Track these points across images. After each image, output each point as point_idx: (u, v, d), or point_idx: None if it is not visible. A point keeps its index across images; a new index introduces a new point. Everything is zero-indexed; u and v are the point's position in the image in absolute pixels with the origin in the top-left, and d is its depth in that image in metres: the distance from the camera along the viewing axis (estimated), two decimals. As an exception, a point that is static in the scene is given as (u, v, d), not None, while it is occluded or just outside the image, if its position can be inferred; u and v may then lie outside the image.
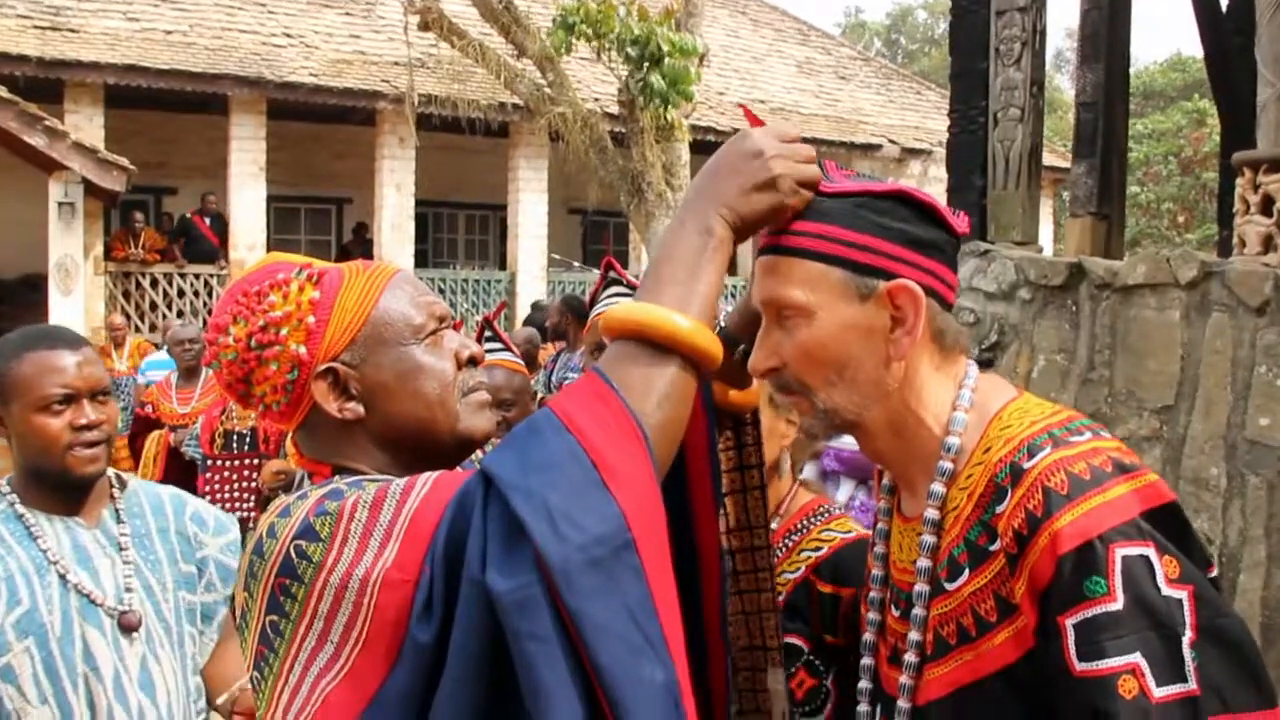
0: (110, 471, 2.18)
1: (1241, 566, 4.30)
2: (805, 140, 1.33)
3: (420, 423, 1.36)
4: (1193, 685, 1.16)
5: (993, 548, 1.26)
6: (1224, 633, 1.19)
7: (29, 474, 2.09)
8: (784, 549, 2.06)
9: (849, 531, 2.07)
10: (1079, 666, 1.18)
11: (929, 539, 1.34)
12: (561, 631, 1.06)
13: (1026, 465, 1.24)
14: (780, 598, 2.04)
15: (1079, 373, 5.13)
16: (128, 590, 2.08)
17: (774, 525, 2.11)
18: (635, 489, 1.12)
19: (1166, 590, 1.18)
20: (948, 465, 1.33)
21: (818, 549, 2.04)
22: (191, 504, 2.29)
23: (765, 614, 1.60)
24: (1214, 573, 1.25)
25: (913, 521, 1.39)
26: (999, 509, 1.25)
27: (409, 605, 1.13)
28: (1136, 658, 1.16)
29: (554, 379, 6.70)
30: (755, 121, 1.41)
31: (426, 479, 1.21)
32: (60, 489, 2.09)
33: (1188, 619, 1.18)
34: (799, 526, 2.09)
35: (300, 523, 1.21)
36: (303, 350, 1.34)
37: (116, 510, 2.16)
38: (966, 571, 1.29)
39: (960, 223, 1.36)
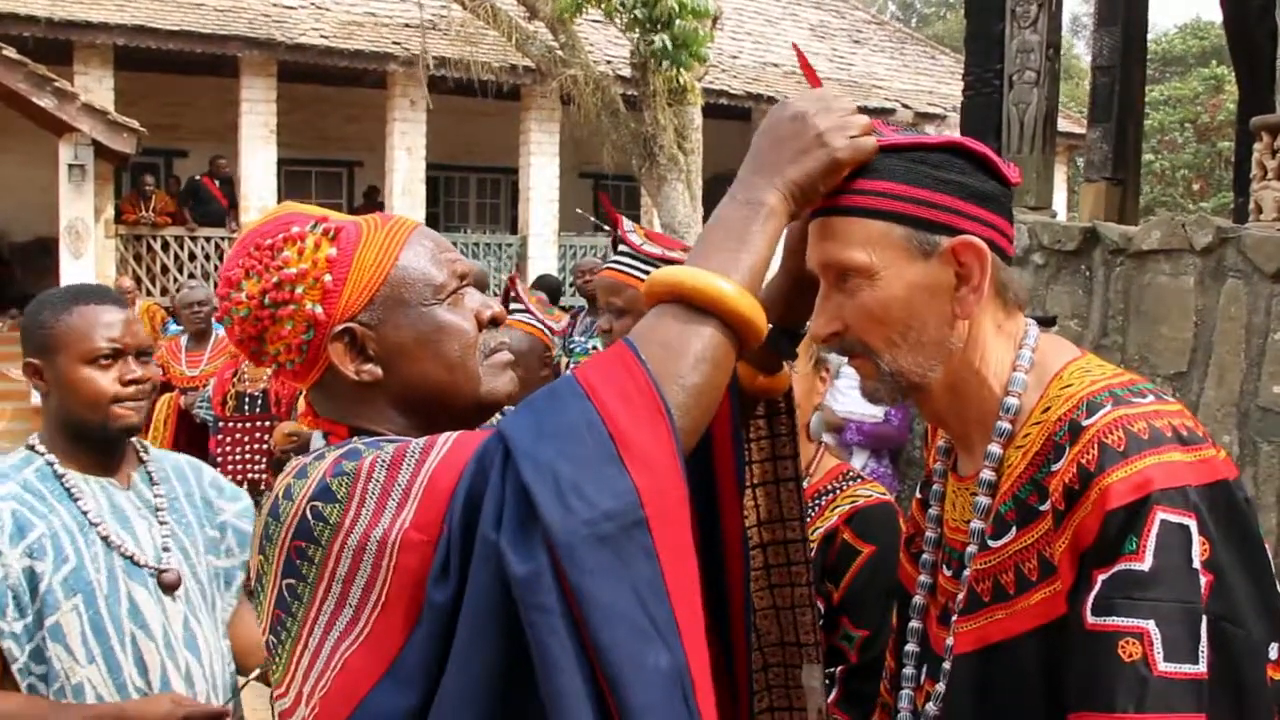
0: (134, 438, 2.19)
1: (1252, 534, 4.30)
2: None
3: (440, 385, 1.33)
4: (1202, 668, 1.12)
5: (1042, 507, 1.24)
6: (1224, 639, 1.16)
7: (66, 430, 2.08)
8: (815, 509, 2.10)
9: (883, 494, 2.14)
10: (1090, 620, 1.15)
11: (983, 500, 1.31)
12: (566, 605, 1.03)
13: (1085, 422, 1.21)
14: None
15: (1092, 339, 5.11)
16: (165, 550, 2.09)
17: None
18: (654, 466, 1.07)
19: (1198, 567, 1.15)
20: (1005, 426, 1.30)
21: (852, 503, 2.09)
22: (207, 471, 2.31)
23: (800, 609, 1.56)
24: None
25: (967, 481, 1.37)
26: (1054, 467, 1.22)
27: (428, 566, 1.10)
28: (1148, 624, 1.12)
29: (572, 343, 6.70)
30: (804, 62, 1.38)
31: (446, 438, 1.17)
32: (96, 445, 2.09)
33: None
34: (829, 488, 2.13)
35: (317, 484, 1.18)
36: (319, 310, 1.29)
37: (149, 473, 2.17)
38: (1013, 530, 1.27)
39: (1013, 173, 1.32)
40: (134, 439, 2.18)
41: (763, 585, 1.55)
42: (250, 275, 1.31)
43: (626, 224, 2.68)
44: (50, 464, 2.06)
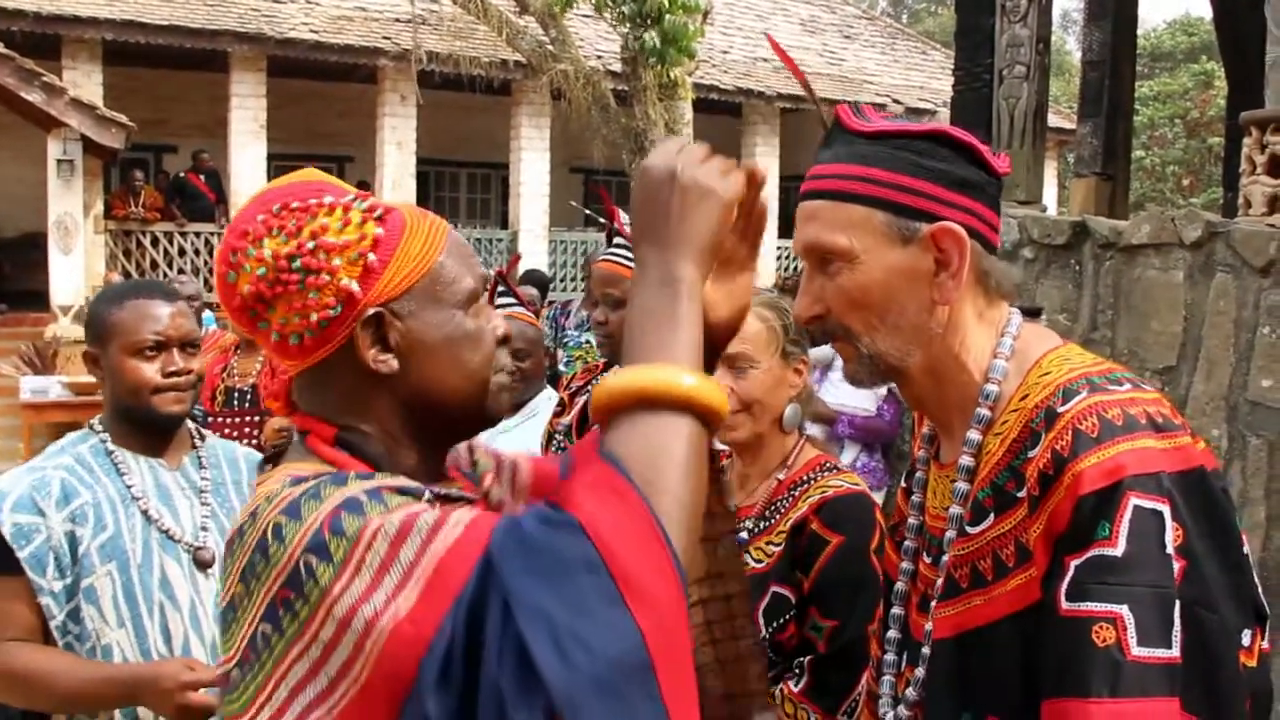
0: (189, 423, 2.34)
1: (1241, 528, 4.31)
2: (808, 100, 1.28)
3: (452, 391, 1.27)
4: (1175, 653, 1.13)
5: (1019, 494, 1.25)
6: (1197, 623, 1.16)
7: (118, 412, 2.25)
8: (790, 500, 2.10)
9: (855, 484, 2.14)
10: (1064, 606, 1.16)
11: (962, 486, 1.33)
12: None
13: (1060, 409, 1.22)
14: (779, 548, 2.07)
15: (1081, 333, 5.12)
16: (203, 529, 2.23)
17: (780, 477, 2.14)
18: (658, 603, 1.02)
19: (1170, 553, 1.16)
20: (985, 413, 1.31)
21: (823, 493, 2.09)
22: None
23: (745, 660, 1.53)
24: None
25: (948, 468, 1.38)
26: (1030, 454, 1.24)
27: (416, 665, 1.04)
28: (1121, 609, 1.13)
29: (565, 336, 6.76)
30: (780, 52, 1.39)
31: (457, 520, 1.10)
32: (145, 429, 2.25)
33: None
34: (805, 478, 2.13)
35: (313, 535, 1.10)
36: (355, 286, 1.21)
37: (199, 457, 2.33)
38: (991, 516, 1.28)
39: (1001, 163, 1.34)
40: (191, 425, 2.34)
41: (704, 641, 1.52)
42: (276, 234, 1.22)
43: (623, 216, 2.68)
44: (103, 441, 2.24)
